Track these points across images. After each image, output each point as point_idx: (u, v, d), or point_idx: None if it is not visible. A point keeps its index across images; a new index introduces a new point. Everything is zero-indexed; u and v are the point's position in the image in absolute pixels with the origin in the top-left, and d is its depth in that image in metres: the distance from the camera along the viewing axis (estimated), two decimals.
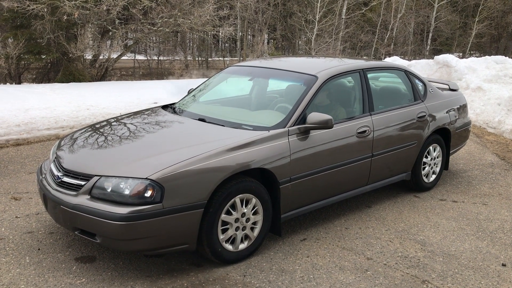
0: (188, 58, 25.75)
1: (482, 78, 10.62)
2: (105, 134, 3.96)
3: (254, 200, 3.51)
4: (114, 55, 14.89)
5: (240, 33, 27.30)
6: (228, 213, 3.39)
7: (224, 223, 3.38)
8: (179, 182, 3.12)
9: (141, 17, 13.23)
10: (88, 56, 14.28)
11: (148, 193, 3.04)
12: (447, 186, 5.34)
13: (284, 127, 3.75)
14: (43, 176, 3.67)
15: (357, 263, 3.57)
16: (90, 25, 12.84)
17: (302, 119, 3.83)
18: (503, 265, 3.62)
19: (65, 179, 3.35)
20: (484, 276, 3.45)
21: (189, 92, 5.02)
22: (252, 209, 3.53)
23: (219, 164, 3.28)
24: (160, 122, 4.12)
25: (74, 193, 3.22)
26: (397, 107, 4.76)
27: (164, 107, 4.67)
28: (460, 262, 3.64)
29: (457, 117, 5.42)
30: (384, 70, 5.04)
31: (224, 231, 3.39)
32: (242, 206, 3.45)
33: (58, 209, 3.25)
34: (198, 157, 3.25)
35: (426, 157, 5.10)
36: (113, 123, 4.25)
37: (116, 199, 3.08)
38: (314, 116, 3.77)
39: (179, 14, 13.94)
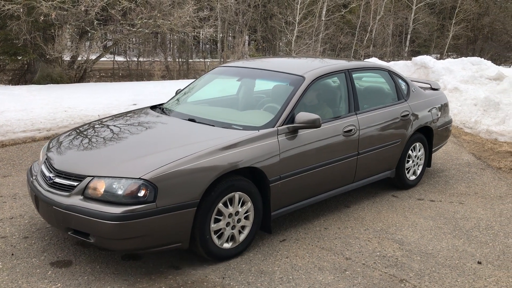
0: (168, 60, 25.55)
1: (459, 79, 10.80)
2: (95, 135, 3.96)
3: (245, 198, 3.57)
4: (93, 57, 14.71)
5: (221, 35, 27.24)
6: (220, 212, 3.43)
7: (216, 221, 3.43)
8: (172, 181, 3.16)
9: (120, 18, 13.11)
10: (66, 57, 14.08)
11: (141, 193, 3.07)
12: (425, 186, 5.40)
13: (273, 127, 3.82)
14: (34, 177, 3.64)
15: (336, 263, 3.59)
16: (68, 26, 12.66)
17: (290, 118, 3.90)
18: (479, 263, 3.67)
19: (57, 180, 3.35)
20: (460, 274, 3.49)
21: (176, 93, 5.04)
22: (242, 206, 3.59)
23: (211, 163, 3.32)
24: (150, 123, 4.16)
25: (67, 193, 3.22)
26: (381, 106, 4.86)
27: (153, 107, 4.70)
28: (437, 260, 3.68)
29: (439, 116, 5.56)
30: (369, 70, 5.13)
31: (216, 231, 3.45)
32: (233, 204, 3.51)
33: (51, 210, 3.25)
34: (190, 156, 3.29)
35: (410, 155, 5.21)
36: (103, 124, 4.25)
37: (109, 199, 3.09)
38: (303, 116, 3.84)
39: (158, 15, 13.85)
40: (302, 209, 4.54)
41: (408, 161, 5.21)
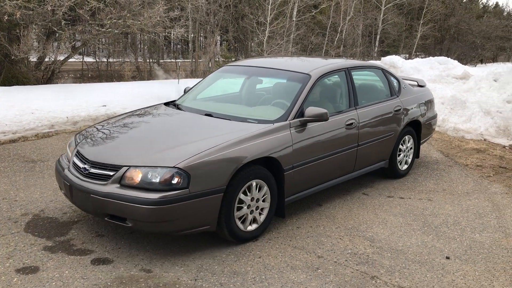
0: (139, 60, 25.24)
1: (427, 78, 11.03)
2: (121, 129, 4.27)
3: (263, 185, 3.90)
4: (61, 57, 14.39)
5: (192, 35, 27.07)
6: (243, 197, 3.75)
7: (239, 207, 3.74)
8: (202, 169, 3.46)
9: (88, 18, 12.86)
10: (33, 58, 13.73)
11: (175, 180, 3.37)
12: (394, 183, 5.49)
13: (286, 120, 4.16)
14: (68, 168, 3.88)
15: (308, 261, 3.60)
16: (34, 26, 12.33)
17: (300, 113, 4.25)
18: (447, 258, 3.75)
19: (93, 170, 3.61)
20: (429, 269, 3.56)
21: (185, 91, 5.37)
22: (261, 192, 3.90)
23: (235, 153, 3.65)
24: (170, 117, 4.51)
25: (104, 182, 3.49)
26: (377, 102, 5.24)
27: (166, 104, 5.01)
28: (407, 256, 3.75)
29: (426, 110, 6.00)
30: (365, 68, 5.49)
31: (240, 217, 3.78)
32: (251, 191, 3.82)
33: (88, 198, 3.50)
34: (217, 147, 3.61)
35: (401, 147, 5.62)
36: (125, 119, 4.57)
37: (145, 186, 3.37)
38: (312, 110, 4.19)
39: (128, 15, 13.65)
40: None
41: (399, 153, 5.61)
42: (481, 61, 45.09)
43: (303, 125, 4.23)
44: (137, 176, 3.41)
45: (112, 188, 3.43)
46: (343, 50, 31.56)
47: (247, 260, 3.59)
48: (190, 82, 15.99)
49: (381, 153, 5.31)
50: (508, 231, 4.31)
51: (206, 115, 4.39)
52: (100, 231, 3.97)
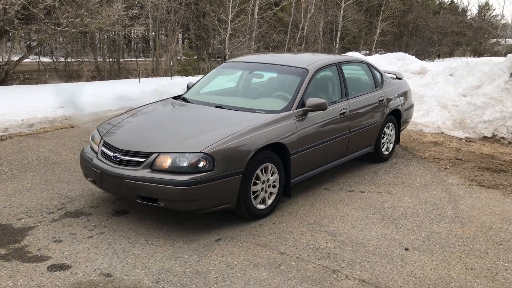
0: (99, 60, 24.71)
1: None
2: (142, 120, 4.71)
3: (274, 168, 4.34)
4: (15, 58, 13.91)
5: (153, 33, 26.69)
6: (257, 178, 4.18)
7: (254, 186, 4.18)
8: (225, 154, 3.88)
9: (43, 17, 12.48)
10: None
11: (201, 164, 3.78)
12: (355, 178, 5.58)
13: (290, 110, 4.61)
14: (97, 157, 4.20)
15: (271, 258, 3.61)
16: None
17: (301, 103, 4.70)
18: (406, 249, 3.84)
19: (124, 157, 3.98)
20: (389, 261, 3.63)
21: (188, 86, 5.73)
22: (272, 175, 4.36)
23: (251, 140, 4.09)
24: (185, 109, 4.94)
25: (135, 168, 3.88)
26: (364, 93, 5.75)
27: (174, 98, 5.40)
28: (368, 249, 3.81)
29: (405, 100, 6.56)
30: (352, 63, 5.99)
31: (253, 192, 4.19)
32: (266, 173, 4.28)
33: (120, 183, 3.88)
34: (235, 134, 4.04)
35: (384, 133, 6.16)
36: (142, 111, 4.97)
37: (175, 170, 3.79)
38: (312, 101, 4.64)
39: (85, 13, 13.33)
40: None
41: (383, 139, 6.15)
42: (439, 56, 46.43)
43: (305, 114, 4.68)
44: (166, 161, 3.82)
45: (144, 173, 3.82)
46: (305, 47, 31.84)
47: (209, 260, 3.57)
48: (152, 81, 15.77)
49: (368, 139, 5.83)
50: (464, 221, 4.45)
51: (216, 107, 4.81)
52: (57, 236, 3.86)
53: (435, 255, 3.76)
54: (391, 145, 6.39)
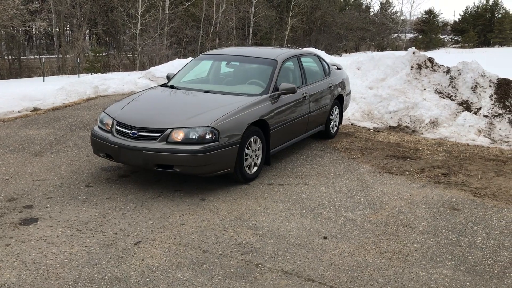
0: None
1: None
2: (147, 103, 5.50)
3: (258, 140, 5.26)
4: None
5: (57, 29, 25.20)
6: (247, 148, 5.09)
7: (245, 155, 5.07)
8: (226, 127, 4.77)
9: None
10: None
11: (209, 136, 4.67)
12: (274, 171, 5.67)
13: (268, 94, 5.54)
14: (113, 135, 4.93)
15: (194, 257, 3.56)
16: None
17: (275, 88, 5.65)
18: (325, 238, 3.96)
19: (140, 133, 4.76)
20: (309, 250, 3.73)
21: (168, 77, 6.42)
22: (256, 145, 5.25)
23: (245, 116, 5.01)
24: (179, 94, 5.72)
25: (153, 142, 4.68)
26: (317, 80, 6.77)
27: (162, 85, 6.19)
28: (289, 241, 3.88)
29: (345, 87, 7.65)
30: (307, 55, 7.00)
31: (245, 160, 5.08)
32: (253, 144, 5.18)
33: (139, 155, 4.67)
34: (232, 112, 4.94)
35: (332, 114, 7.21)
36: (142, 96, 5.70)
37: (187, 141, 4.66)
38: (284, 85, 5.60)
39: None
40: (157, 207, 4.48)
41: (331, 119, 7.18)
42: (346, 51, 48.66)
43: (278, 97, 5.62)
44: (179, 134, 4.66)
45: (161, 145, 4.65)
46: (219, 43, 31.81)
47: (129, 264, 3.44)
48: (58, 79, 14.91)
49: (321, 119, 6.84)
50: (376, 207, 4.69)
51: (205, 92, 5.66)
52: None
53: (352, 241, 3.93)
54: (336, 125, 7.44)
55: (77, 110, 8.77)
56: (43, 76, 14.57)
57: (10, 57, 24.77)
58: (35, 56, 28.59)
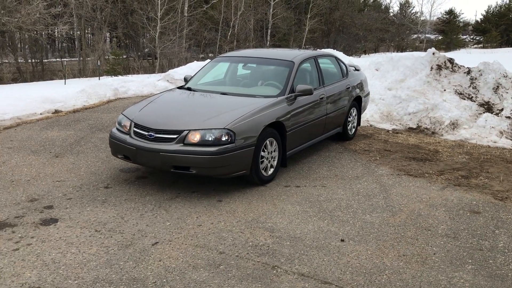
0: (20, 61, 23.32)
1: None
2: (164, 105, 5.51)
3: (274, 142, 5.23)
4: None
5: (78, 32, 25.61)
6: (263, 151, 5.06)
7: (261, 157, 5.05)
8: (242, 129, 4.77)
9: None
10: None
11: (225, 138, 4.66)
12: (291, 173, 5.65)
13: (284, 95, 5.53)
14: (130, 136, 4.96)
15: (210, 259, 3.57)
16: None
17: (292, 89, 5.62)
18: (342, 240, 3.94)
19: (158, 135, 4.78)
20: (326, 253, 3.71)
21: (185, 79, 6.50)
22: (272, 147, 5.23)
23: (260, 118, 4.99)
24: (196, 96, 5.74)
25: (170, 143, 4.70)
26: (335, 82, 6.72)
27: (180, 88, 6.24)
28: (305, 243, 3.87)
29: (364, 88, 7.60)
30: (325, 56, 6.97)
31: (261, 162, 5.07)
32: (269, 146, 5.15)
33: (157, 156, 4.68)
34: (248, 114, 4.93)
35: (350, 116, 7.16)
36: (159, 98, 5.73)
37: (203, 143, 4.65)
38: (301, 87, 5.57)
39: (2, 12, 12.52)
40: (174, 208, 4.50)
41: (349, 121, 7.12)
42: (365, 52, 48.27)
43: (295, 98, 5.59)
44: (196, 136, 4.66)
45: (178, 147, 4.66)
46: (237, 45, 31.90)
47: (146, 265, 3.46)
48: (79, 82, 15.12)
49: (339, 121, 6.80)
50: (395, 209, 4.64)
51: (222, 94, 5.67)
52: None
53: (369, 244, 3.89)
54: (354, 127, 7.38)
55: (97, 112, 8.89)
56: (65, 79, 14.82)
57: (33, 60, 25.25)
58: (57, 59, 29.09)
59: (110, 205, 4.56)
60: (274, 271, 3.42)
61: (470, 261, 3.67)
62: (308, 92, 5.57)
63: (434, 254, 3.76)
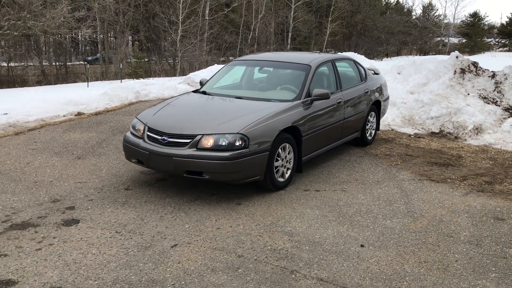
0: (44, 64, 23.79)
1: None
2: (177, 109, 5.45)
3: (290, 147, 5.13)
4: None
5: (101, 36, 26.01)
6: (278, 156, 4.96)
7: (276, 162, 4.96)
8: (256, 134, 4.68)
9: None
10: None
11: (239, 142, 4.58)
12: (310, 177, 5.62)
13: (300, 99, 5.43)
14: (144, 141, 4.91)
15: (229, 262, 3.57)
16: None
17: (308, 93, 5.51)
18: (362, 246, 3.89)
19: (171, 139, 4.71)
20: (346, 258, 3.67)
21: (201, 83, 6.38)
22: (289, 153, 5.15)
23: (275, 123, 4.90)
24: (211, 100, 5.68)
25: (183, 148, 4.63)
26: (353, 86, 6.61)
27: (195, 91, 6.19)
28: (324, 248, 3.84)
29: (383, 92, 7.47)
30: (343, 60, 6.89)
31: (275, 167, 4.97)
32: (284, 151, 5.06)
33: (169, 161, 4.61)
34: (262, 119, 4.84)
35: (368, 121, 7.01)
36: (173, 102, 5.69)
37: (217, 148, 4.57)
38: (317, 91, 5.46)
39: (28, 16, 12.80)
40: (193, 211, 4.51)
41: (368, 126, 7.01)
42: (387, 55, 47.83)
43: (311, 102, 5.48)
44: (209, 141, 4.59)
45: (191, 151, 4.58)
46: (257, 48, 31.95)
47: (165, 267, 3.48)
48: (101, 85, 15.35)
49: (357, 125, 6.68)
50: (416, 215, 4.57)
51: (237, 98, 5.57)
52: (2, 251, 3.65)
53: (390, 250, 3.84)
54: (373, 131, 7.24)
55: (118, 115, 9.00)
56: (87, 82, 15.05)
57: (57, 63, 25.74)
58: (80, 62, 29.60)
59: (130, 206, 4.60)
60: (293, 276, 3.40)
61: (493, 269, 3.59)
62: (325, 96, 5.46)
63: (456, 261, 3.69)
